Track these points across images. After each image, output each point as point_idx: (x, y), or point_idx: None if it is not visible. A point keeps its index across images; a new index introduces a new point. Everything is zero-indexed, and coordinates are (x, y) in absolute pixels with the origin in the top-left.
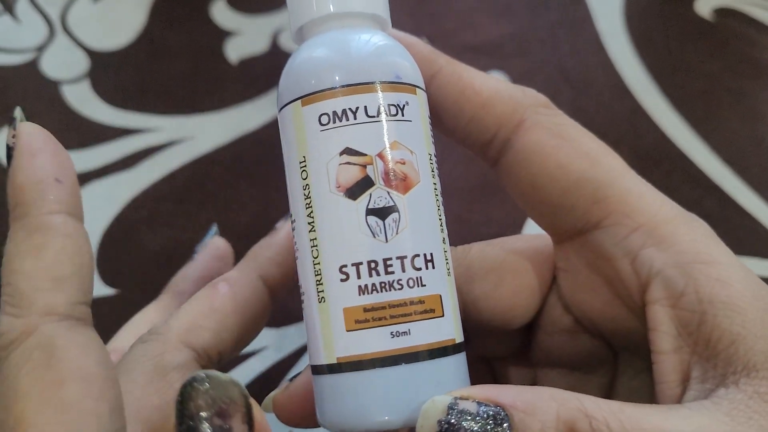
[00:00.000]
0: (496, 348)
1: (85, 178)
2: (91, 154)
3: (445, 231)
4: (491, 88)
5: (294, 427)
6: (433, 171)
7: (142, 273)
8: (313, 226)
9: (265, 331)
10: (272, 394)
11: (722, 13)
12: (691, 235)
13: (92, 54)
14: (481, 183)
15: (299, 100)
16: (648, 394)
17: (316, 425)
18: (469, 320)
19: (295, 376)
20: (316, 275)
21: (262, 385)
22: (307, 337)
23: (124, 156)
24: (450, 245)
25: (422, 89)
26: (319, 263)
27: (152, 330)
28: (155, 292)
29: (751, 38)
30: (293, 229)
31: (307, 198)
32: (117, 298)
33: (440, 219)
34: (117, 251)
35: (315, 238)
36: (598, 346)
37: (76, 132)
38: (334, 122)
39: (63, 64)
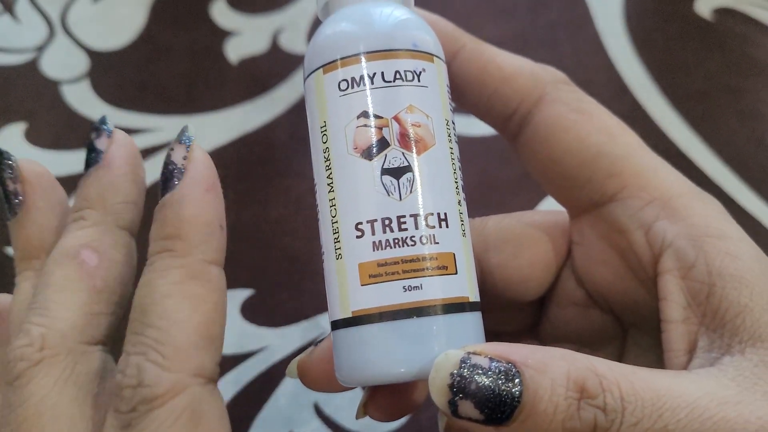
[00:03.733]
0: (507, 323)
1: None
2: None
3: (462, 195)
4: (513, 64)
5: (319, 391)
6: (450, 136)
7: None
8: (332, 187)
9: (265, 331)
10: (297, 358)
11: (722, 12)
12: (704, 210)
13: (92, 54)
14: (478, 183)
15: (321, 69)
16: None
17: (341, 389)
18: (485, 291)
19: (320, 341)
20: (334, 233)
21: (262, 385)
22: (327, 294)
23: None
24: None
25: (441, 59)
26: (337, 222)
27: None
28: None
29: (750, 38)
30: (315, 192)
31: (327, 160)
32: None
33: (456, 182)
34: None
35: (334, 198)
36: (608, 321)
37: (76, 132)
38: (353, 87)
39: (63, 64)
